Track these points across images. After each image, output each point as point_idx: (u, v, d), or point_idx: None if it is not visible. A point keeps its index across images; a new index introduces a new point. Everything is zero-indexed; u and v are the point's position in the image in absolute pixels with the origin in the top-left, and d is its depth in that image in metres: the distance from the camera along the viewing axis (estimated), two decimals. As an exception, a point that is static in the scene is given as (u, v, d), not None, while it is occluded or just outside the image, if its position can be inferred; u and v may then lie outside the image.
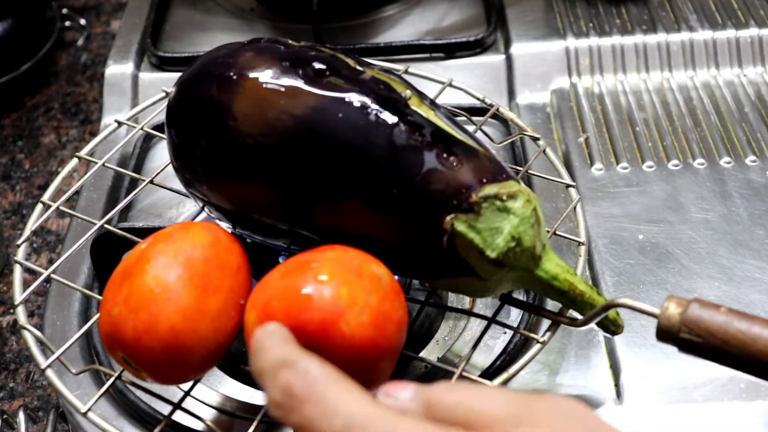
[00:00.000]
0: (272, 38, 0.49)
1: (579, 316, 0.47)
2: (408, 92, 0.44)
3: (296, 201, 0.45)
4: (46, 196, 0.57)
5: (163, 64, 0.77)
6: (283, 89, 0.44)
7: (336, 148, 0.43)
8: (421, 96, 0.46)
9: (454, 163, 0.42)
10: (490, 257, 0.41)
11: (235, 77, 0.45)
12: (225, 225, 0.49)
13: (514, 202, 0.42)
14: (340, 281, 0.41)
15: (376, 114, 0.43)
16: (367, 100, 0.43)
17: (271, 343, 0.34)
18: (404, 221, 0.42)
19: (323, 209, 0.44)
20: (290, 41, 0.48)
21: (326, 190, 0.44)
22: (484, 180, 0.42)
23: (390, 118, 0.43)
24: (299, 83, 0.44)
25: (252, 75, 0.45)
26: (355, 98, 0.43)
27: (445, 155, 0.42)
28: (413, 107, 0.44)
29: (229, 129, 0.45)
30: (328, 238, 0.45)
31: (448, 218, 0.42)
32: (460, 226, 0.41)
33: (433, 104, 0.46)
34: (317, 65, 0.45)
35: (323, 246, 0.45)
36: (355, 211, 0.44)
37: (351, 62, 0.46)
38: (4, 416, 0.54)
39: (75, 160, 0.59)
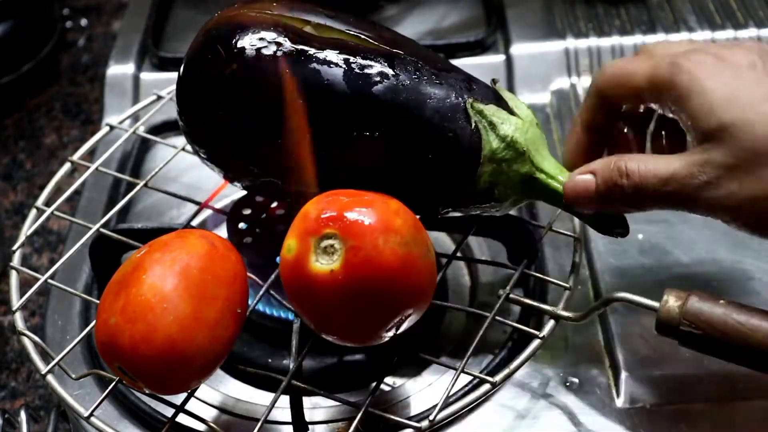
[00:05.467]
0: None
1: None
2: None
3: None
4: (39, 201, 0.57)
5: (164, 65, 0.77)
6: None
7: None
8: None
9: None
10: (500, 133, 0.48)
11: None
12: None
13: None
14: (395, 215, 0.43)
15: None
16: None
17: None
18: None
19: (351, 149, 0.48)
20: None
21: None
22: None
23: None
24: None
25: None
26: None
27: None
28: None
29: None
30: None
31: (470, 99, 0.48)
32: (479, 105, 0.48)
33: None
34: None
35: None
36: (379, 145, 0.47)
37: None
38: (6, 415, 0.54)
39: (68, 165, 0.60)
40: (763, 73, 0.43)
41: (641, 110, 0.51)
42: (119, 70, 0.77)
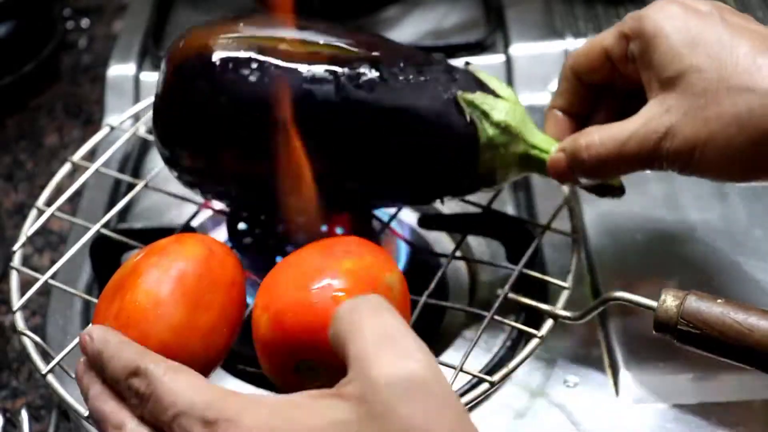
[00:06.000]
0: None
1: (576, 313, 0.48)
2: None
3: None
4: (40, 201, 0.57)
5: (165, 65, 0.77)
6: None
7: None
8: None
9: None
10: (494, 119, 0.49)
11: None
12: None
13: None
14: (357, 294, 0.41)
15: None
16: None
17: (115, 350, 0.38)
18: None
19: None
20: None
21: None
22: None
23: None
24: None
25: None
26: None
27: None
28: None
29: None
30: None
31: (459, 92, 0.49)
32: (469, 96, 0.49)
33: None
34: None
35: (338, 243, 0.45)
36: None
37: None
38: (7, 415, 0.55)
39: (68, 165, 0.60)
40: (719, 19, 0.46)
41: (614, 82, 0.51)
42: (120, 70, 0.77)
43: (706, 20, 0.46)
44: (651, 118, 0.45)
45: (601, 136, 0.47)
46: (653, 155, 0.46)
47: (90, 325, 0.46)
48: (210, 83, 0.46)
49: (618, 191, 0.51)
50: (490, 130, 0.48)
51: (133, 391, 0.37)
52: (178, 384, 0.36)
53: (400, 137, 0.48)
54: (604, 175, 0.49)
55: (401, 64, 0.48)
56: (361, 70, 0.47)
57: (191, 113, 0.47)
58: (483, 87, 0.50)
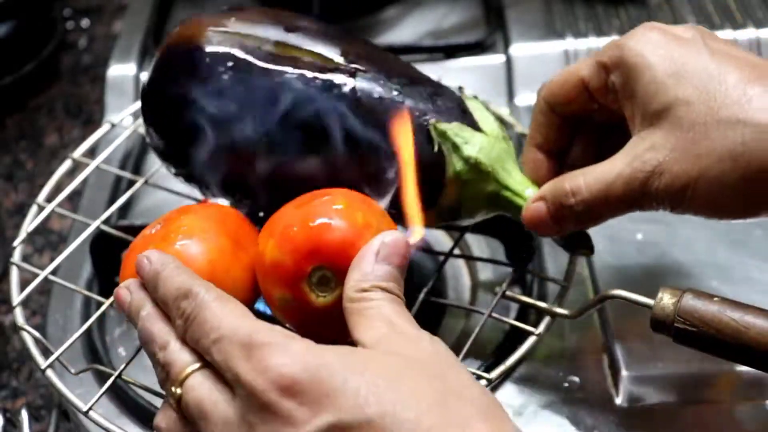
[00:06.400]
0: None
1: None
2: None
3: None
4: (40, 198, 0.57)
5: (165, 65, 0.77)
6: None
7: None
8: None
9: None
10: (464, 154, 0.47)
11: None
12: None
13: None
14: (354, 208, 0.43)
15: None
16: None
17: (172, 272, 0.39)
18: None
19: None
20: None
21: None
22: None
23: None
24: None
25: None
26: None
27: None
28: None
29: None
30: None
31: (432, 120, 0.47)
32: (442, 126, 0.47)
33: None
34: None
35: (327, 188, 0.46)
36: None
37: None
38: (7, 415, 0.55)
39: (69, 162, 0.60)
40: (702, 46, 0.43)
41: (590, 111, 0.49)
42: (120, 70, 0.77)
43: (689, 48, 0.43)
44: (636, 156, 0.42)
45: (587, 181, 0.44)
46: (642, 195, 0.43)
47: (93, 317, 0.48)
48: (188, 73, 0.48)
49: (590, 251, 0.49)
50: (458, 165, 0.47)
51: (180, 312, 0.38)
52: (224, 310, 0.36)
53: (363, 155, 0.47)
54: (590, 222, 0.46)
55: (381, 81, 0.48)
56: (337, 81, 0.47)
57: (171, 100, 0.48)
58: (465, 116, 0.48)
